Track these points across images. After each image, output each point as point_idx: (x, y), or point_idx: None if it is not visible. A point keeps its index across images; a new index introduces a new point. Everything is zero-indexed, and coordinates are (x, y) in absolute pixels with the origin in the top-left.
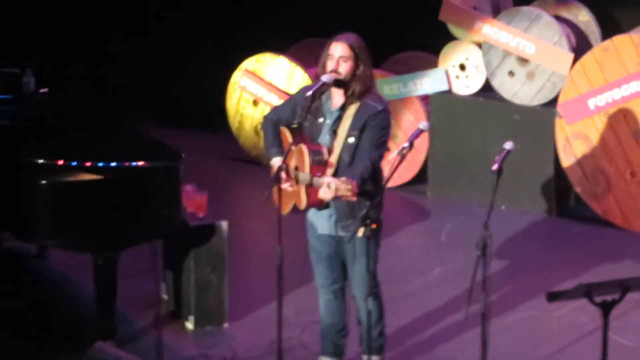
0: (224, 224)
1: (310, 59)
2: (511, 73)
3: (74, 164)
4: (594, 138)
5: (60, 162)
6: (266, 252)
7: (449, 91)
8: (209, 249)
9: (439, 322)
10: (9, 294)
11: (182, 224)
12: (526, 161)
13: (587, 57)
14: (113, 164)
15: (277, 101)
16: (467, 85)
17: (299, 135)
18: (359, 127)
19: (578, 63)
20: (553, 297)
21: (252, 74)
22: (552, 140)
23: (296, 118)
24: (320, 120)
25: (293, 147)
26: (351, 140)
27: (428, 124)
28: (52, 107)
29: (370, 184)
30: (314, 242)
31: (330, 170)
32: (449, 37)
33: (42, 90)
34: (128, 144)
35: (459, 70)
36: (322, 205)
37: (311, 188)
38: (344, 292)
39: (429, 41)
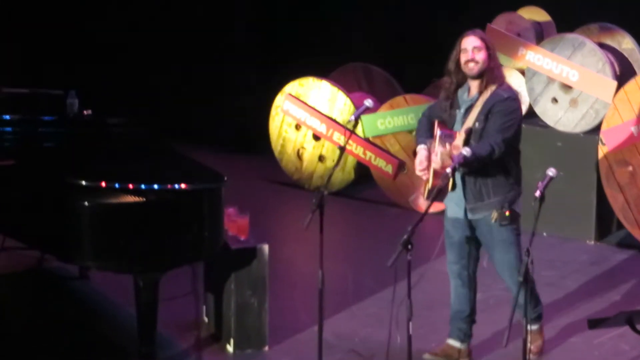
0: (265, 247)
1: (352, 83)
2: (554, 100)
3: (117, 186)
4: (637, 165)
5: (103, 184)
6: (307, 276)
7: None
8: (250, 272)
9: (481, 347)
10: (51, 315)
11: (223, 246)
12: (569, 188)
13: (630, 85)
14: (155, 187)
15: (320, 125)
16: None
17: (442, 125)
18: (485, 113)
19: (621, 90)
20: (594, 324)
21: (295, 98)
22: (594, 167)
23: (440, 114)
24: (456, 111)
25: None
26: (477, 125)
27: (471, 151)
28: (95, 129)
29: (502, 173)
30: (448, 226)
31: (456, 153)
32: None
33: (85, 112)
34: (171, 166)
35: None
36: (444, 185)
37: (436, 171)
38: (473, 280)
39: None
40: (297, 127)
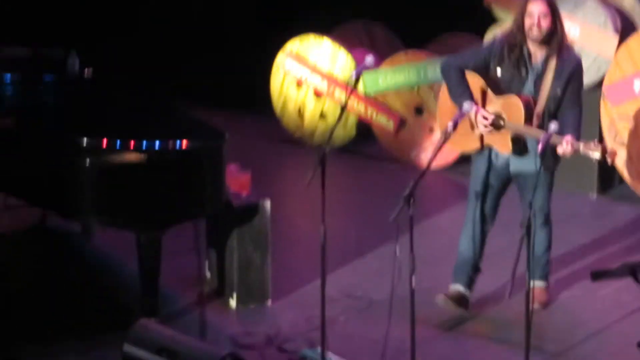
0: (267, 203)
1: (354, 41)
2: None
3: (118, 142)
4: (639, 120)
5: (104, 141)
6: (309, 231)
7: None
8: (252, 227)
9: (483, 301)
10: (53, 271)
11: (225, 203)
12: None
13: (632, 40)
14: (157, 143)
15: (321, 82)
16: None
17: (494, 82)
18: (565, 80)
19: (623, 45)
20: (597, 276)
21: (296, 56)
22: (597, 121)
23: (490, 69)
24: (523, 73)
25: (493, 97)
26: (558, 91)
27: (471, 105)
28: (96, 88)
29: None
30: (492, 180)
31: (537, 122)
32: (494, 19)
33: (86, 71)
34: (172, 124)
35: None
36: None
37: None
38: (487, 234)
39: (473, 23)
40: (298, 84)
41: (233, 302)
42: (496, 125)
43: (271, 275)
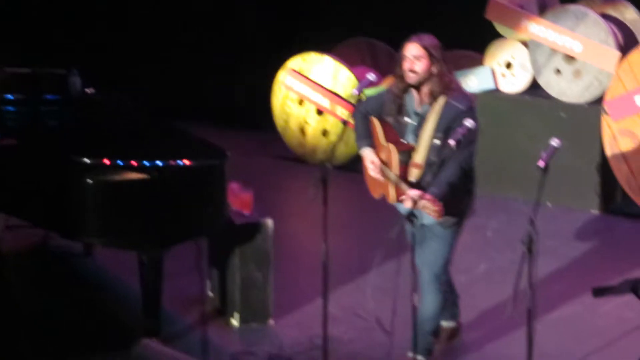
0: (269, 222)
1: (355, 58)
2: (558, 71)
3: (120, 163)
4: None
5: (106, 162)
6: (311, 249)
7: (496, 89)
8: (254, 246)
9: (485, 318)
10: (55, 292)
11: (227, 222)
12: (573, 158)
13: (633, 55)
14: (158, 163)
15: (323, 100)
16: (513, 83)
17: (389, 129)
18: (443, 129)
19: (625, 60)
20: (599, 292)
21: (298, 74)
22: (598, 137)
23: (383, 112)
24: (405, 119)
25: (384, 143)
26: (436, 142)
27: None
28: (98, 107)
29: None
30: (406, 226)
31: (417, 171)
32: (495, 35)
33: (88, 91)
34: (174, 143)
35: (505, 68)
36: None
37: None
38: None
39: (475, 39)
40: (300, 102)
41: (235, 321)
42: (383, 172)
43: (273, 294)
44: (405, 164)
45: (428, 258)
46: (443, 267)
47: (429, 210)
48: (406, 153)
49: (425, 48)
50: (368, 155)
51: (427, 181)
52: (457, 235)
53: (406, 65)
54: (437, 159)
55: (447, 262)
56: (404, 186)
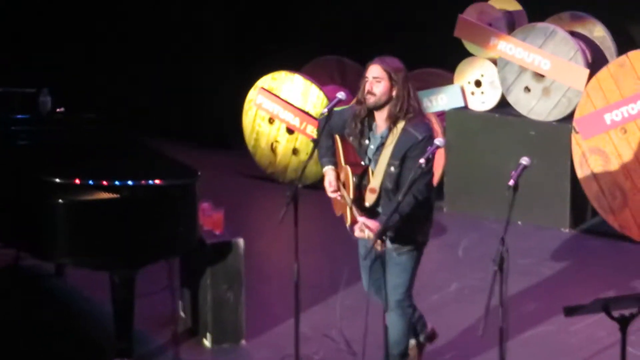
0: (241, 242)
1: (325, 77)
2: (527, 89)
3: (91, 182)
4: (611, 153)
5: (77, 181)
6: (283, 269)
7: (465, 107)
8: (226, 266)
9: (457, 337)
10: (27, 312)
11: (198, 241)
12: (543, 176)
13: (602, 73)
14: (129, 183)
15: (293, 118)
16: (482, 101)
17: (350, 149)
18: (399, 157)
19: (594, 78)
20: (570, 311)
21: (268, 92)
22: (568, 155)
23: (345, 132)
24: (366, 142)
25: (342, 164)
26: (392, 169)
27: (444, 140)
28: (68, 127)
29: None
30: (360, 248)
31: (373, 196)
32: (465, 54)
33: (58, 110)
34: (144, 162)
35: (474, 86)
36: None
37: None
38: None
39: (444, 58)
40: (271, 120)
41: (207, 342)
42: (340, 194)
43: (245, 314)
44: (361, 188)
45: (389, 285)
46: (405, 294)
47: (371, 241)
48: (363, 176)
49: (386, 71)
50: (327, 174)
51: (381, 206)
52: (416, 261)
53: (366, 86)
54: (393, 186)
55: (408, 289)
56: (355, 211)
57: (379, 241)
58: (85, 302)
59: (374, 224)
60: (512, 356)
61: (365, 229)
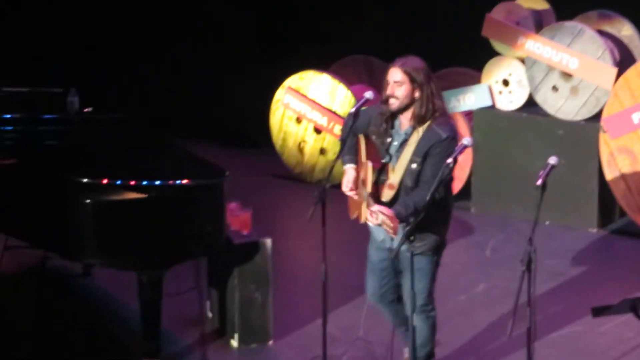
0: (268, 242)
1: (353, 76)
2: (555, 88)
3: (119, 182)
4: (638, 152)
5: (105, 181)
6: (310, 269)
7: (493, 107)
8: (253, 266)
9: (484, 338)
10: (55, 313)
11: (226, 241)
12: (570, 176)
13: (630, 71)
14: (157, 183)
15: (320, 118)
16: (510, 100)
17: (372, 148)
18: (422, 154)
19: (622, 77)
20: (598, 312)
21: (296, 92)
22: (596, 155)
23: (368, 131)
24: (388, 140)
25: (363, 160)
26: (414, 166)
27: (472, 139)
28: (96, 127)
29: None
30: (372, 251)
31: (390, 192)
32: (492, 53)
33: (86, 110)
34: (172, 162)
35: (502, 85)
36: None
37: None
38: (398, 300)
39: (472, 57)
40: (298, 120)
41: (235, 342)
42: (358, 191)
43: (273, 314)
44: (380, 184)
45: (410, 290)
46: (427, 298)
47: (386, 226)
48: (383, 172)
49: (407, 73)
50: (346, 172)
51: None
52: (436, 265)
53: (387, 90)
54: (412, 184)
55: (430, 293)
56: (371, 202)
57: (392, 225)
58: (112, 302)
59: (389, 211)
60: (540, 357)
61: (380, 214)
